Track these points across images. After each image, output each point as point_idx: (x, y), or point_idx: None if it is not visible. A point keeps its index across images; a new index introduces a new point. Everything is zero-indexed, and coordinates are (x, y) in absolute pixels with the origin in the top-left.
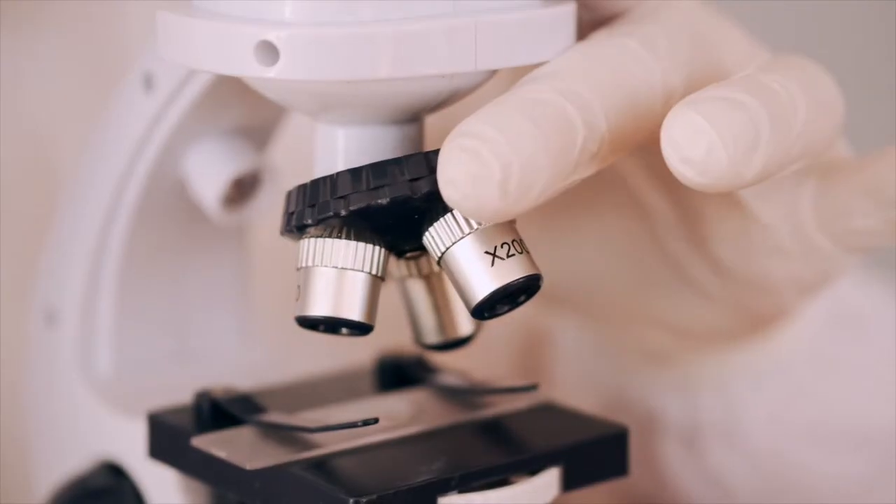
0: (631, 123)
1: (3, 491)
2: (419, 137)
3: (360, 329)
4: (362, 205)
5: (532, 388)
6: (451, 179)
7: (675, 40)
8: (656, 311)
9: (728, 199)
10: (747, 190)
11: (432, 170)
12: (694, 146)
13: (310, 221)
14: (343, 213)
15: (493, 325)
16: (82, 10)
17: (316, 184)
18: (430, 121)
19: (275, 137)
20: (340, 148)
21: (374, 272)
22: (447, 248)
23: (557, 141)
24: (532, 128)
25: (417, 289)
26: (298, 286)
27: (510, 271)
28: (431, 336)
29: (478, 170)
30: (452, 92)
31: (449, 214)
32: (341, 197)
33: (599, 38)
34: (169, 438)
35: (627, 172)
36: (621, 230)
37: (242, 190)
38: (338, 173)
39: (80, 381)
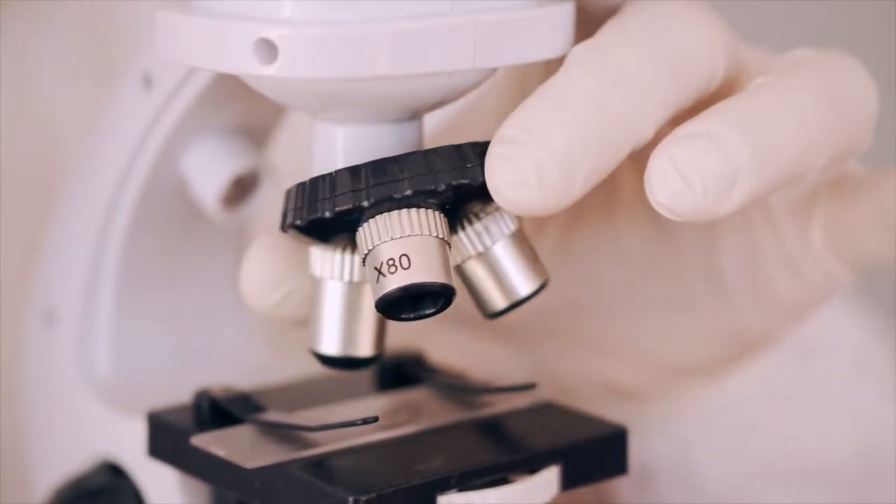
0: (680, 95)
1: (2, 491)
2: (418, 135)
3: (444, 296)
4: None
5: (531, 387)
6: (494, 187)
7: (713, 20)
8: (638, 340)
9: (740, 213)
10: (773, 207)
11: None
12: (662, 189)
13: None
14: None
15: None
16: (81, 9)
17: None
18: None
19: (274, 136)
20: (339, 146)
21: (442, 237)
22: (493, 244)
23: (597, 125)
24: (563, 121)
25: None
26: (375, 268)
27: (544, 269)
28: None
29: (514, 175)
30: (451, 90)
31: (494, 214)
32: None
33: (634, 12)
34: (168, 437)
35: (637, 185)
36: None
37: (242, 189)
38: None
39: (79, 381)
